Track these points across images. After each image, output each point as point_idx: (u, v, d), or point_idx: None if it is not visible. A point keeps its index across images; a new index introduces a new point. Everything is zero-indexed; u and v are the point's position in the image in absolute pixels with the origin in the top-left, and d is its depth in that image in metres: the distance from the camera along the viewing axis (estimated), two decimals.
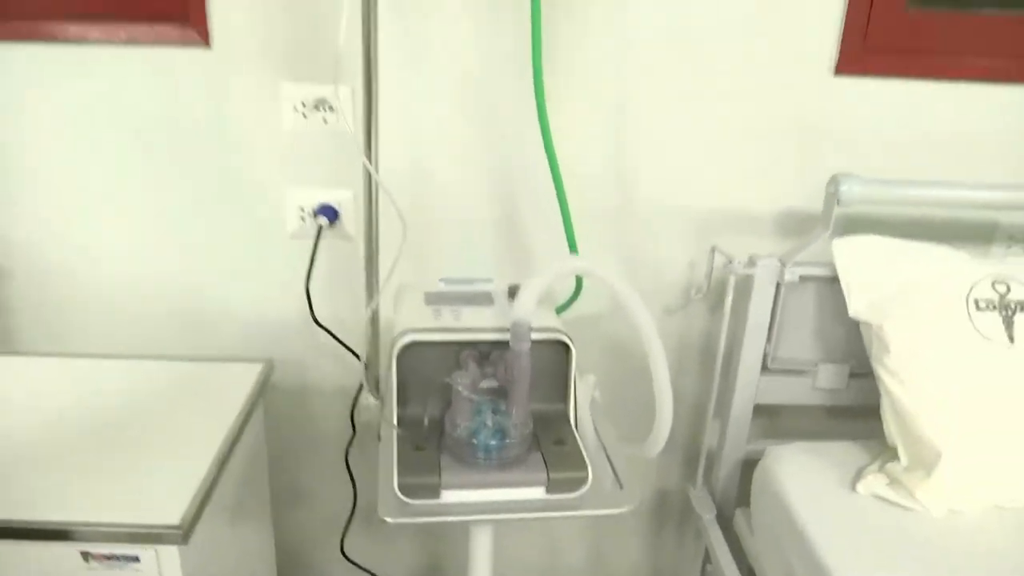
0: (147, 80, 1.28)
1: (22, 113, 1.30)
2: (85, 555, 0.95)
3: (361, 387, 1.39)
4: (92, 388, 1.24)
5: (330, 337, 1.39)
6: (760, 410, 1.37)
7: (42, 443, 1.09)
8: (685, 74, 1.29)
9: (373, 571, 1.59)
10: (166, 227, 1.37)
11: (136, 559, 0.96)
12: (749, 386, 1.35)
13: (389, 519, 0.90)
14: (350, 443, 1.46)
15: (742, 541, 1.34)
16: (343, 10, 1.15)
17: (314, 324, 1.36)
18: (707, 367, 1.47)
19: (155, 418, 1.16)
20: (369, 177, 1.25)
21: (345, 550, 1.53)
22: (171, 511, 0.95)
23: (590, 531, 1.65)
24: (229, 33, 1.26)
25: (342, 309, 1.40)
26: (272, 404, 1.47)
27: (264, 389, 1.27)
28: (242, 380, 1.27)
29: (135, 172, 1.33)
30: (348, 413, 1.43)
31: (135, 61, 1.28)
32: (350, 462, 1.47)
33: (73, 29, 1.26)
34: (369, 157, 1.23)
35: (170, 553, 0.96)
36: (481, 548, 1.10)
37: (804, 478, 1.20)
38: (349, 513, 1.51)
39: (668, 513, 1.62)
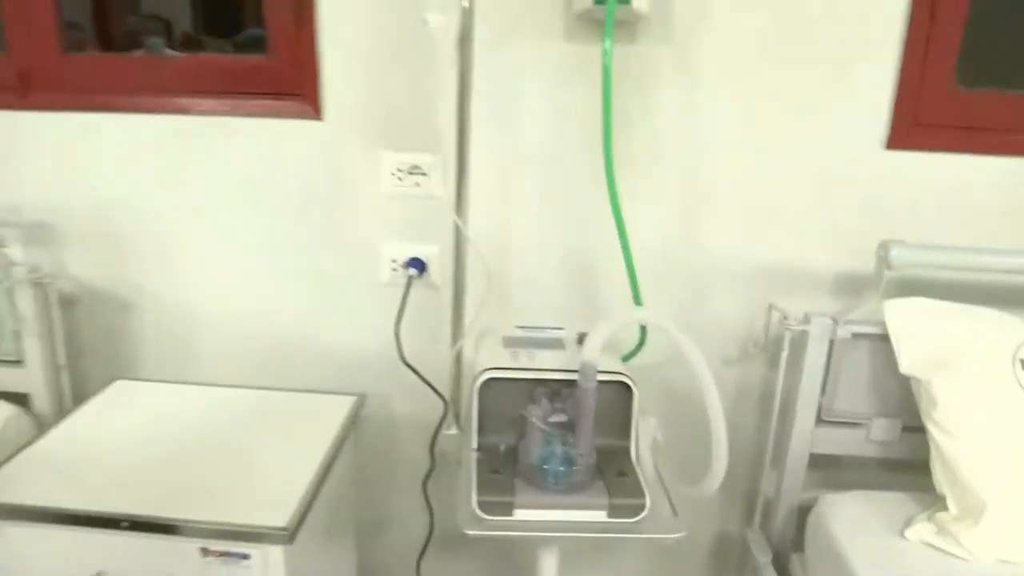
0: (266, 145, 1.49)
1: (155, 173, 1.52)
2: (204, 551, 1.11)
3: (441, 422, 1.53)
4: (208, 411, 1.41)
5: (415, 375, 1.53)
6: (815, 459, 1.44)
7: (167, 454, 1.26)
8: (747, 145, 1.42)
9: None
10: (275, 273, 1.55)
11: (247, 556, 1.10)
12: (804, 436, 1.42)
13: (469, 531, 1.02)
14: (428, 474, 1.59)
15: None
16: (444, 94, 1.33)
17: (401, 363, 1.51)
18: (765, 417, 1.55)
19: (262, 438, 1.32)
20: (458, 234, 1.41)
21: (421, 573, 1.64)
22: (278, 516, 1.09)
23: (651, 570, 1.71)
24: (339, 108, 1.46)
25: (426, 350, 1.55)
26: (360, 434, 1.62)
27: (357, 419, 1.42)
28: (337, 410, 1.43)
29: (250, 224, 1.53)
30: (428, 445, 1.57)
31: (257, 130, 1.49)
32: (428, 491, 1.60)
33: (206, 103, 1.48)
34: (459, 216, 1.39)
35: (276, 553, 1.10)
36: (547, 570, 1.20)
37: (856, 524, 1.27)
38: (426, 538, 1.63)
39: (727, 556, 1.68)
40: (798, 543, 1.43)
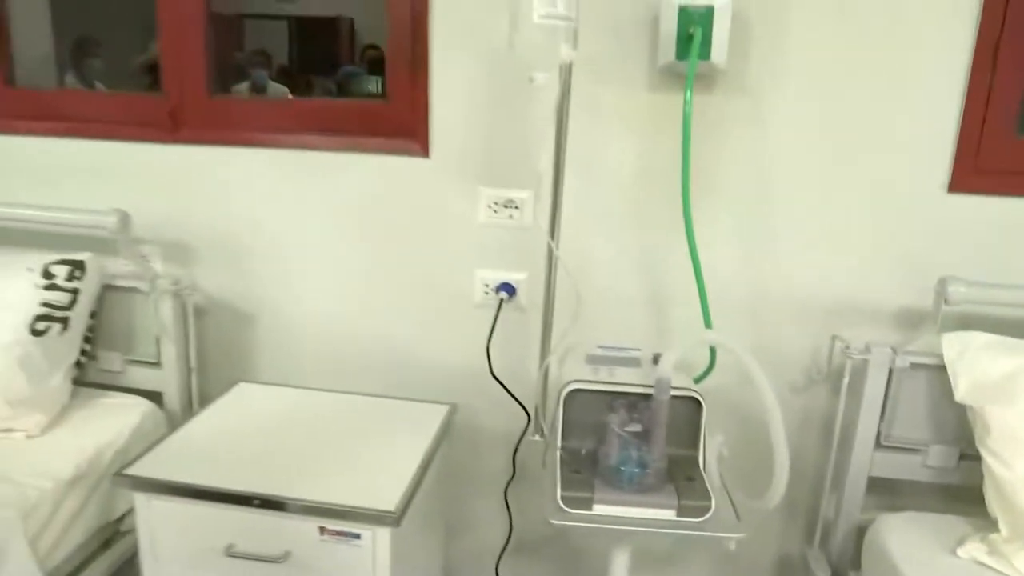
0: (378, 179, 1.69)
1: (279, 201, 1.73)
2: (322, 529, 1.28)
3: (524, 432, 1.67)
4: (319, 411, 1.60)
5: (500, 390, 1.69)
6: (873, 482, 1.53)
7: (286, 447, 1.44)
8: (813, 187, 1.54)
9: None
10: (379, 292, 1.74)
11: (358, 536, 1.27)
12: (864, 460, 1.52)
13: (554, 521, 1.17)
14: (509, 481, 1.73)
15: None
16: (540, 137, 1.50)
17: (489, 378, 1.67)
18: (826, 442, 1.64)
19: (367, 436, 1.50)
20: (550, 260, 1.56)
21: (499, 570, 1.79)
22: (387, 502, 1.26)
23: None
24: (444, 149, 1.64)
25: (512, 367, 1.70)
26: (447, 441, 1.78)
27: (450, 425, 1.58)
28: (433, 416, 1.59)
29: (359, 247, 1.73)
30: (511, 454, 1.71)
31: (371, 165, 1.69)
32: (508, 498, 1.74)
33: (328, 141, 1.69)
34: (552, 245, 1.55)
35: (384, 534, 1.26)
36: (620, 565, 1.33)
37: (911, 543, 1.36)
38: (505, 540, 1.77)
39: (791, 573, 1.76)
40: (855, 562, 1.52)
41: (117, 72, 3.48)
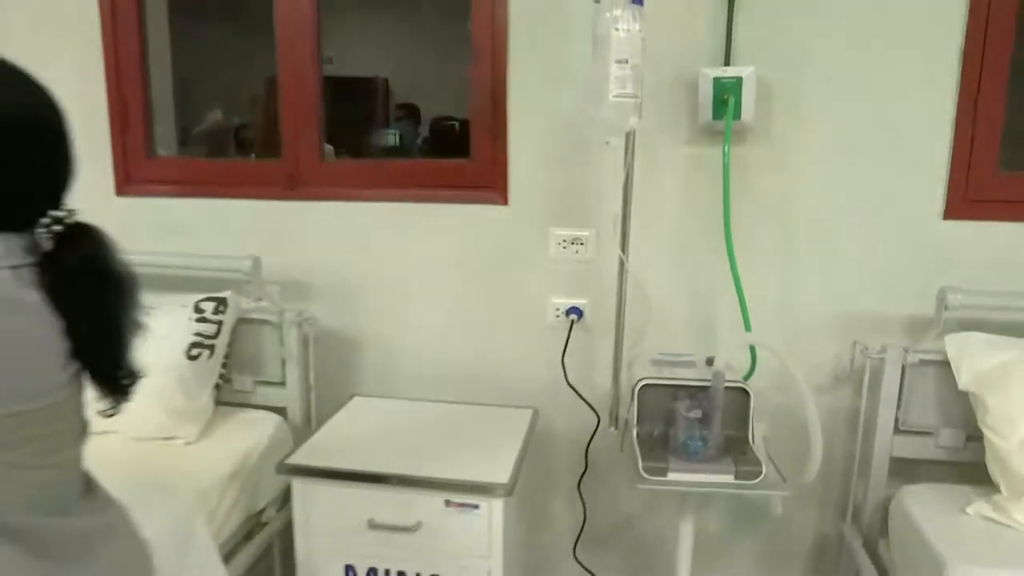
0: (463, 224, 2.03)
1: (381, 245, 2.08)
2: (447, 502, 1.58)
3: (595, 431, 1.98)
4: (424, 416, 1.92)
5: (571, 397, 2.00)
6: (894, 463, 1.81)
7: (405, 441, 1.76)
8: (831, 217, 1.86)
9: (595, 572, 2.11)
10: (466, 317, 2.07)
11: (477, 507, 1.57)
12: (885, 444, 1.80)
13: (640, 486, 1.47)
14: (582, 475, 2.03)
15: (883, 562, 1.75)
16: (602, 184, 1.85)
17: (560, 386, 1.98)
18: (852, 433, 1.92)
19: (469, 433, 1.82)
20: (621, 284, 1.86)
21: (577, 555, 2.07)
22: (499, 477, 1.56)
23: (768, 563, 2.08)
24: (520, 197, 1.99)
25: (581, 377, 2.01)
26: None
27: (535, 426, 1.89)
28: (519, 418, 1.90)
29: (448, 281, 2.06)
30: (583, 452, 2.02)
31: (457, 213, 2.03)
32: (582, 490, 2.04)
33: (421, 193, 2.05)
34: (620, 273, 1.86)
35: (497, 505, 1.56)
36: (686, 534, 1.61)
37: (928, 507, 1.63)
38: (580, 528, 2.06)
39: (826, 550, 2.03)
40: (883, 531, 1.79)
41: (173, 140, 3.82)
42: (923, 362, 1.76)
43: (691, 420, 1.54)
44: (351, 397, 2.06)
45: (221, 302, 1.99)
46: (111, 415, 1.03)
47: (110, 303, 0.96)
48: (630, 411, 1.63)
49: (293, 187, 2.13)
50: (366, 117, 5.23)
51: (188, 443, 1.87)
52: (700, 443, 1.52)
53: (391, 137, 4.67)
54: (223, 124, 3.87)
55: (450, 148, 4.32)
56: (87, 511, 1.02)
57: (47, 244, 0.92)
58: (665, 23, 1.80)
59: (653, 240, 1.93)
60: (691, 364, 1.72)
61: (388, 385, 2.14)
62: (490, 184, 2.02)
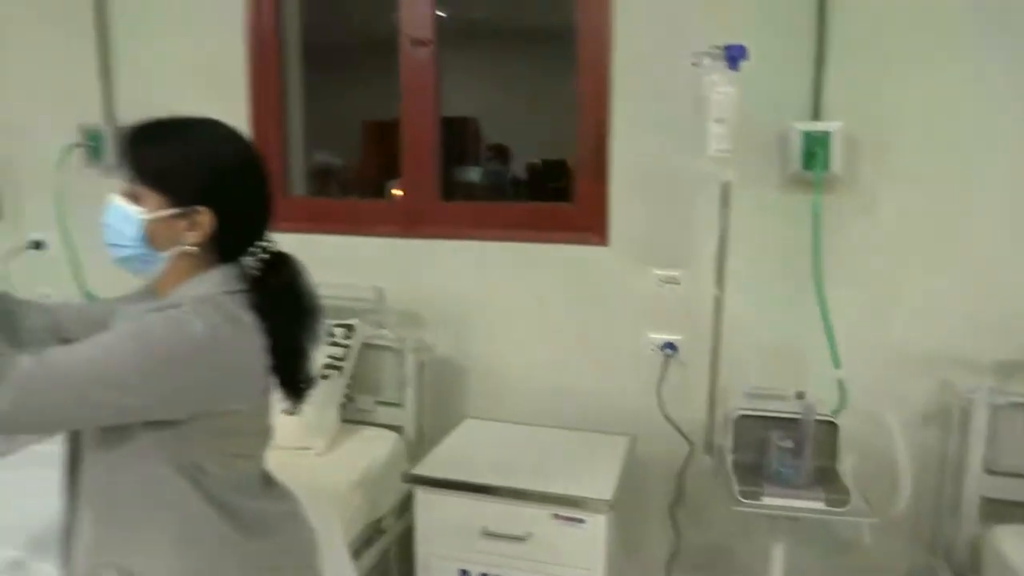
0: (565, 262, 2.21)
1: (487, 280, 2.28)
2: (555, 515, 1.74)
3: (688, 458, 2.10)
4: (531, 437, 2.09)
5: (662, 425, 2.13)
6: (986, 502, 1.87)
7: (515, 459, 1.93)
8: (918, 262, 1.96)
9: None
10: (569, 349, 2.24)
11: (583, 521, 1.72)
12: (974, 484, 1.87)
13: (736, 509, 1.60)
14: (675, 501, 2.16)
15: None
16: (697, 228, 2.00)
17: (652, 416, 2.12)
18: (941, 468, 1.99)
19: (572, 455, 1.97)
20: (717, 322, 1.99)
21: None
22: (604, 494, 1.71)
23: None
24: (619, 238, 2.16)
25: (676, 407, 2.14)
26: None
27: (633, 452, 2.04)
28: (617, 443, 2.05)
29: (551, 315, 2.24)
30: (674, 479, 2.14)
31: (559, 252, 2.22)
32: (675, 515, 2.16)
33: (526, 234, 2.24)
34: (716, 312, 2.00)
35: (601, 520, 1.71)
36: (777, 559, 1.72)
37: (1021, 544, 1.70)
38: (672, 551, 2.18)
39: None
40: (975, 567, 1.85)
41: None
42: (1014, 404, 1.83)
43: (783, 450, 1.66)
44: (463, 419, 2.25)
45: (350, 328, 2.22)
46: (292, 415, 1.25)
47: (304, 323, 1.18)
48: (725, 439, 1.76)
49: (412, 225, 2.36)
50: (457, 156, 5.50)
51: (318, 454, 2.09)
52: (792, 471, 1.63)
53: (481, 175, 4.93)
54: (328, 165, 4.19)
55: (543, 189, 4.55)
56: (271, 498, 1.23)
57: (253, 272, 1.14)
58: (758, 79, 1.93)
59: (746, 280, 2.05)
60: (782, 397, 1.83)
61: (494, 409, 2.31)
62: (592, 226, 2.20)
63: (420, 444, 2.27)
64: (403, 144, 2.37)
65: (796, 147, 1.94)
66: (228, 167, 1.13)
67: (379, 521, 2.09)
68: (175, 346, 1.01)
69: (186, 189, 1.08)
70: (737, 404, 1.81)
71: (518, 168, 5.10)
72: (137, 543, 1.09)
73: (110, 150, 2.52)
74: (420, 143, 2.34)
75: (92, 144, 2.54)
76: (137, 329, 1.02)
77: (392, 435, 2.23)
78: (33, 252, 2.65)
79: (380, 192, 3.89)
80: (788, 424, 1.71)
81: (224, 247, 1.12)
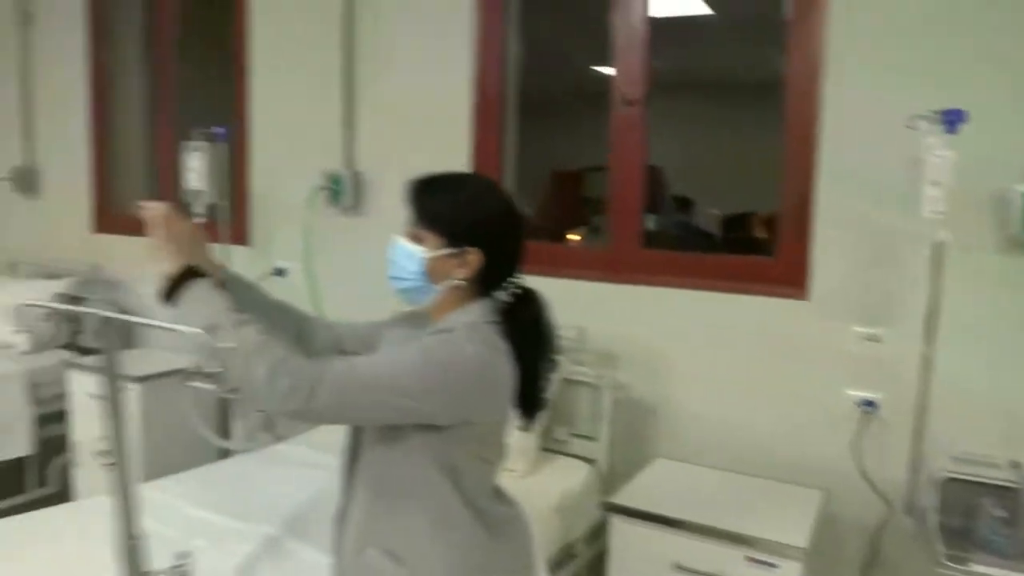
0: (762, 314, 2.27)
1: (683, 326, 2.38)
2: (748, 558, 1.80)
3: (886, 520, 2.08)
4: (719, 481, 2.15)
5: (860, 483, 2.12)
6: None
7: (708, 499, 2.00)
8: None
9: None
10: (763, 399, 2.29)
11: (776, 567, 1.77)
12: None
13: (941, 571, 1.59)
14: (869, 562, 2.13)
15: None
16: (904, 287, 2.01)
17: (850, 472, 2.11)
18: None
19: (763, 503, 2.01)
20: (923, 383, 1.97)
21: None
22: (798, 541, 1.75)
23: None
24: (820, 293, 2.20)
25: (872, 466, 2.13)
26: None
27: (826, 506, 2.05)
28: (808, 497, 2.06)
29: (749, 365, 2.30)
30: (867, 540, 2.12)
31: (756, 304, 2.28)
32: None
33: (725, 284, 2.33)
34: (925, 372, 1.98)
35: (795, 568, 1.75)
36: None
37: None
38: None
39: None
40: None
41: None
42: None
43: (996, 518, 1.63)
44: (652, 457, 2.36)
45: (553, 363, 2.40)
46: (526, 431, 1.44)
47: (545, 352, 1.36)
48: (929, 502, 1.75)
49: (615, 271, 2.52)
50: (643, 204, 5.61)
51: (520, 476, 2.27)
52: (1004, 541, 1.60)
53: (666, 224, 5.03)
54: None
55: (725, 240, 4.58)
56: (506, 504, 1.41)
57: (505, 304, 1.34)
58: (976, 139, 1.92)
59: (956, 340, 2.02)
60: (995, 465, 1.79)
61: (682, 452, 2.40)
62: (792, 280, 2.25)
63: (612, 477, 2.40)
64: (610, 195, 2.55)
65: (1017, 209, 1.91)
66: (494, 214, 1.34)
67: (571, 546, 2.23)
68: (451, 363, 1.21)
69: (460, 232, 1.30)
70: (943, 466, 1.79)
71: (699, 219, 5.16)
72: (401, 529, 1.30)
73: (348, 193, 2.91)
74: (625, 195, 2.51)
75: (334, 188, 2.94)
76: (422, 347, 1.24)
77: (586, 466, 2.37)
78: (276, 278, 3.08)
79: (560, 238, 4.09)
80: (1001, 492, 1.68)
81: (485, 282, 1.33)
